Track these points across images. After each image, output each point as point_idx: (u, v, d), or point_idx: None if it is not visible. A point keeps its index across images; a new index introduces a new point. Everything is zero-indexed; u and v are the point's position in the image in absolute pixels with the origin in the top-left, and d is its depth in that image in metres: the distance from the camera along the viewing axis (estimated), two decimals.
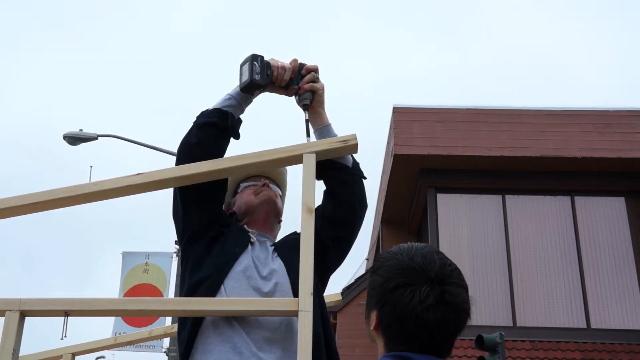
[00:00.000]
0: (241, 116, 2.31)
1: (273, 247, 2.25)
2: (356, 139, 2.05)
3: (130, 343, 3.87)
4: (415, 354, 1.37)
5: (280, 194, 2.46)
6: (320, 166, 2.10)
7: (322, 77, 2.31)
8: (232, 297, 1.99)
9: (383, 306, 1.43)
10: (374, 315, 1.45)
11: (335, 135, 2.25)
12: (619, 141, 11.80)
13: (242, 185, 2.42)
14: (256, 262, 2.14)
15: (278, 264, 2.16)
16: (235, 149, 2.19)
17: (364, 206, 2.32)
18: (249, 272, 2.10)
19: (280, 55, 2.27)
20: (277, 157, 2.02)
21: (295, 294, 1.87)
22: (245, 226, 2.30)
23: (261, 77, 2.18)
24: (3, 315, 1.81)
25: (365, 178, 2.32)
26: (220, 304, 1.91)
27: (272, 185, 2.42)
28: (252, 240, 2.22)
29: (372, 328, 1.47)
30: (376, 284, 1.46)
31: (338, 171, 2.24)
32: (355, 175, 2.28)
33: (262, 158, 2.03)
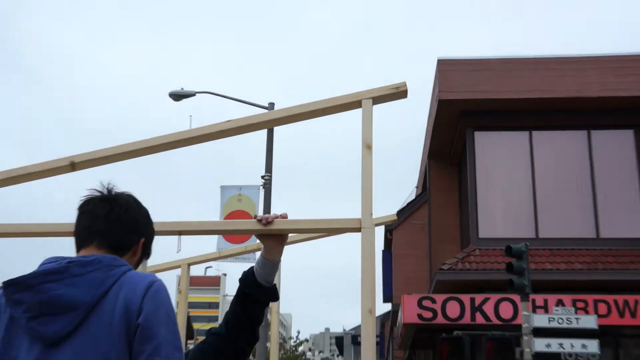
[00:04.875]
0: None
1: None
2: (406, 85, 1.96)
3: (230, 255, 3.97)
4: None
5: None
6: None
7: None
8: (302, 219, 1.93)
9: None
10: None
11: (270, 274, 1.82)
12: (632, 82, 11.39)
13: None
14: None
15: None
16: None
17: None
18: None
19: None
20: (339, 103, 1.96)
21: None
22: None
23: None
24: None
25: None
26: (291, 224, 1.83)
27: None
28: None
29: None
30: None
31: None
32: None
33: (325, 105, 1.97)
